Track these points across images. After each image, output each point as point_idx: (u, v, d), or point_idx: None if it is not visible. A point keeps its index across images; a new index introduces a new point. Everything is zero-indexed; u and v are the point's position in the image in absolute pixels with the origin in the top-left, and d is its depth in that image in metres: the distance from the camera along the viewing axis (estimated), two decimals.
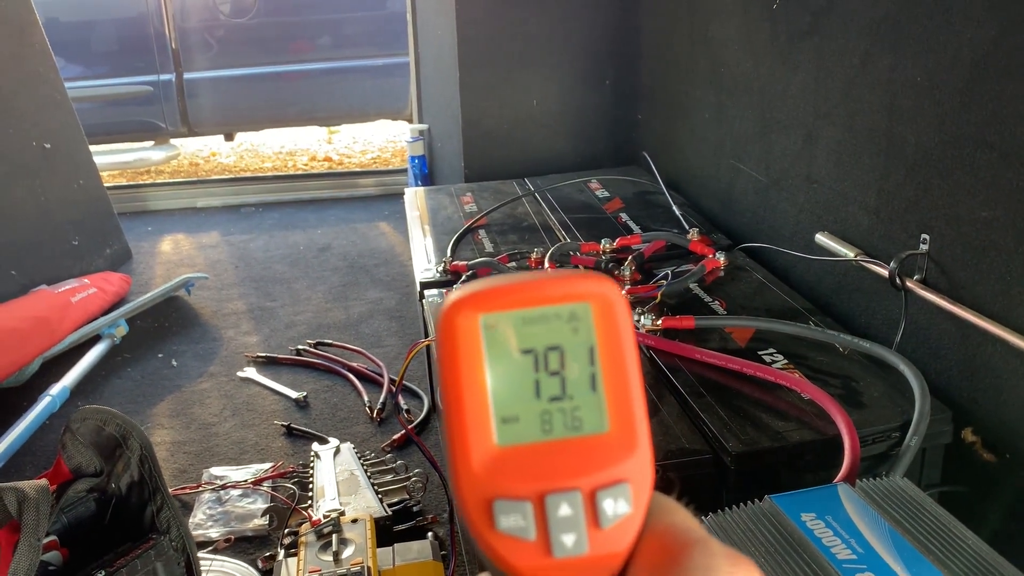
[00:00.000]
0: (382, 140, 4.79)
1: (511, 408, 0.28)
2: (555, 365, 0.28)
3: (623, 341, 0.28)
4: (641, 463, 0.27)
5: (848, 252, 1.37)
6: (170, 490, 1.51)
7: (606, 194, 2.11)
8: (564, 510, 0.26)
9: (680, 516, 0.27)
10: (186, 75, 3.81)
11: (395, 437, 1.77)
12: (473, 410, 0.27)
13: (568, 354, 0.28)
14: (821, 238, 1.44)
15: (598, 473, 0.27)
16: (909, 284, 1.23)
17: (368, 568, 1.20)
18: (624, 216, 1.93)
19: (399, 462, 1.64)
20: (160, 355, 2.26)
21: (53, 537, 1.23)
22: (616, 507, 0.27)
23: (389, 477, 1.57)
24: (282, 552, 1.33)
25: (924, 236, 1.22)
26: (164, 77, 3.80)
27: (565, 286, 0.28)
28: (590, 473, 0.27)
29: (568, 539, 0.26)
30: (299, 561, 1.25)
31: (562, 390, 0.28)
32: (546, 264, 1.60)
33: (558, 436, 0.28)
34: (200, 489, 1.64)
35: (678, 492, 0.29)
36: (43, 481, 1.23)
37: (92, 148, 2.89)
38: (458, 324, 0.27)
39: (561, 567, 0.26)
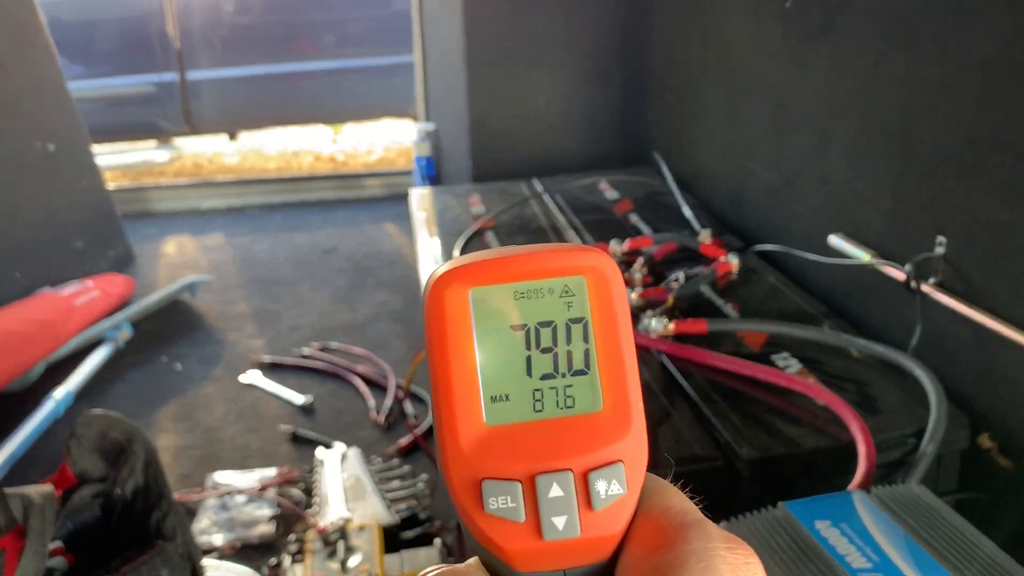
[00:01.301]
0: (388, 140, 4.78)
1: (501, 386, 0.27)
2: (547, 342, 0.27)
3: (618, 317, 0.27)
4: (636, 443, 0.27)
5: (862, 254, 1.35)
6: (176, 495, 1.51)
7: (616, 195, 2.09)
8: (555, 491, 0.26)
9: (675, 498, 0.27)
10: (190, 75, 3.80)
11: (402, 442, 1.76)
12: (462, 388, 0.26)
13: (561, 330, 0.27)
14: (835, 240, 1.43)
15: (591, 453, 0.26)
16: (925, 287, 1.21)
17: None
18: (634, 218, 1.92)
19: (406, 468, 1.63)
20: (164, 358, 2.25)
21: (59, 543, 1.21)
22: (609, 488, 0.26)
23: (396, 483, 1.55)
24: (288, 559, 1.32)
25: (940, 238, 1.20)
26: (167, 77, 3.78)
27: (559, 259, 0.27)
28: (583, 453, 0.26)
29: (559, 521, 0.26)
30: (305, 568, 1.24)
31: (555, 368, 0.27)
32: None
33: (550, 415, 0.27)
34: (205, 495, 1.63)
35: (672, 475, 0.27)
36: (48, 486, 1.22)
37: (96, 149, 2.88)
38: (446, 298, 0.26)
39: (552, 550, 0.26)
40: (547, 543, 0.26)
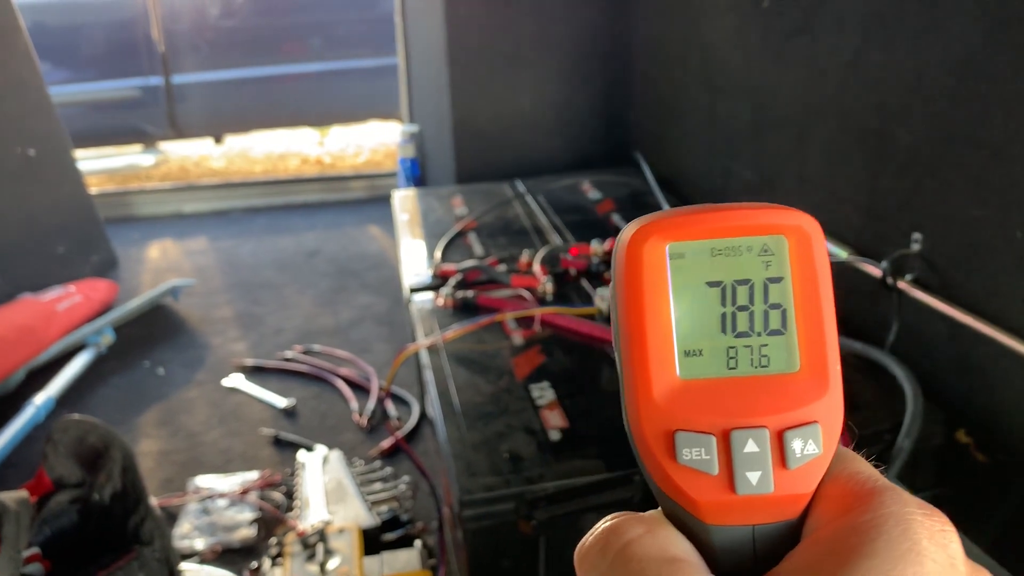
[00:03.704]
0: (375, 142, 4.77)
1: (695, 342, 0.27)
2: (743, 300, 0.27)
3: (819, 278, 0.27)
4: (832, 405, 0.27)
5: (840, 251, 1.36)
6: (156, 500, 1.50)
7: (598, 195, 2.09)
8: (750, 447, 0.26)
9: (862, 464, 0.27)
10: (175, 78, 3.78)
11: (384, 445, 1.75)
12: (656, 341, 0.27)
13: (758, 289, 0.27)
14: None
15: (787, 413, 0.26)
16: (901, 284, 1.22)
17: None
18: (616, 217, 1.92)
19: (388, 470, 1.62)
20: (147, 363, 2.23)
21: (35, 549, 1.20)
22: (805, 448, 0.26)
23: (378, 485, 1.55)
24: (268, 562, 1.31)
25: (916, 235, 1.20)
26: (153, 81, 3.77)
27: (759, 217, 0.27)
28: (778, 412, 0.26)
29: (753, 476, 0.26)
30: (284, 571, 1.23)
31: (750, 326, 0.27)
32: (535, 268, 1.58)
33: (744, 373, 0.27)
34: (186, 499, 1.62)
35: (856, 443, 0.27)
36: (23, 492, 1.21)
37: (81, 154, 2.86)
38: (644, 252, 0.27)
39: (743, 504, 0.26)
40: (739, 497, 0.26)
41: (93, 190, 3.07)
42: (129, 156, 3.91)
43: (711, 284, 0.27)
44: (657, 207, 1.95)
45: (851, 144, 1.35)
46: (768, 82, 1.60)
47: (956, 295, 1.14)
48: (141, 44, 3.73)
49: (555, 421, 1.15)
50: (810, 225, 0.27)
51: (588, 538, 0.26)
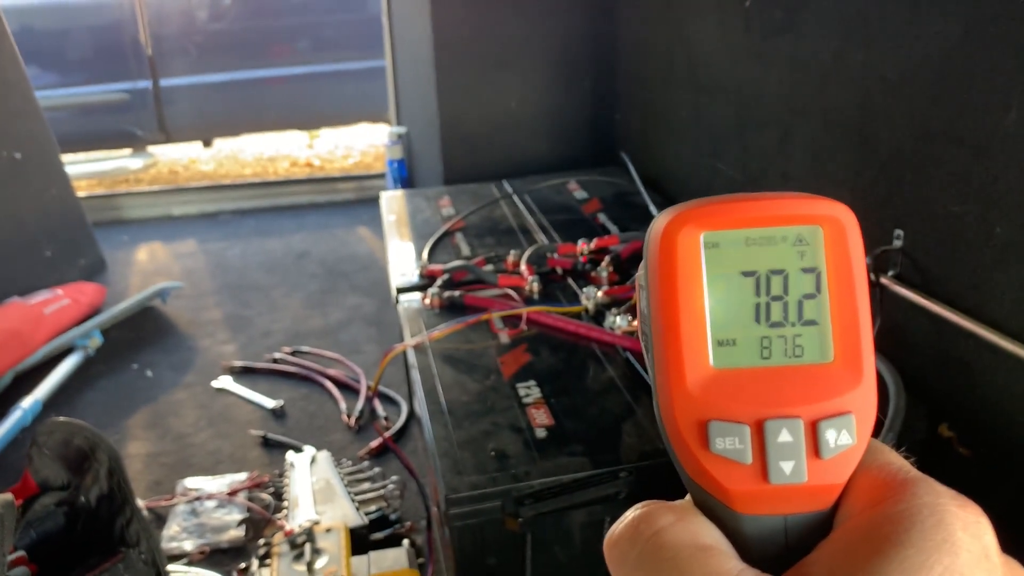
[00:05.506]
0: (365, 144, 4.77)
1: (728, 331, 0.27)
2: (778, 290, 0.27)
3: (854, 269, 0.27)
4: (866, 396, 0.27)
5: None
6: (145, 502, 1.49)
7: (584, 195, 2.10)
8: (784, 436, 0.26)
9: (892, 455, 0.27)
10: (163, 81, 3.77)
11: (372, 445, 1.75)
12: (689, 330, 0.27)
13: (792, 279, 0.27)
14: None
15: (821, 403, 0.26)
16: (884, 280, 1.22)
17: None
18: (602, 217, 1.92)
19: (376, 470, 1.62)
20: (135, 366, 2.23)
21: (21, 553, 1.20)
22: (839, 438, 0.26)
23: (366, 485, 1.55)
24: (256, 563, 1.31)
25: (898, 231, 1.21)
26: (140, 84, 3.76)
27: (795, 207, 0.27)
28: (812, 402, 0.26)
29: (786, 466, 0.26)
30: (272, 571, 1.23)
31: (784, 316, 0.27)
32: (522, 267, 1.59)
33: (777, 363, 0.27)
34: (175, 501, 1.61)
35: (882, 437, 0.28)
36: (8, 495, 1.20)
37: (69, 157, 2.85)
38: (678, 240, 0.26)
39: (776, 494, 0.26)
40: (772, 487, 0.26)
41: (82, 193, 3.06)
42: (118, 160, 3.90)
43: (745, 274, 0.27)
44: (643, 207, 1.95)
45: (834, 142, 1.36)
46: (752, 81, 1.61)
47: (938, 290, 1.15)
48: (129, 48, 3.72)
49: (541, 419, 1.15)
50: (845, 216, 0.27)
51: (618, 526, 0.26)
